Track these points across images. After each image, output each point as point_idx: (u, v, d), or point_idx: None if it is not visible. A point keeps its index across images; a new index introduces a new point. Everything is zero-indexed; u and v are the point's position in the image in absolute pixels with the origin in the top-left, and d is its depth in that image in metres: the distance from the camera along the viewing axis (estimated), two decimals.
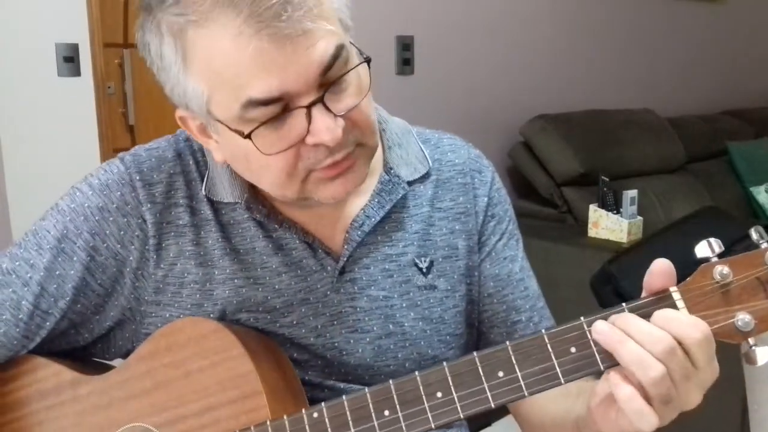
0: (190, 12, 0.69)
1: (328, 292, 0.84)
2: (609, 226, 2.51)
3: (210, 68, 0.70)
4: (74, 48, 2.46)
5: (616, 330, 0.66)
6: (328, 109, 0.71)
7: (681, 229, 2.29)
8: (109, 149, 2.57)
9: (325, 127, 0.70)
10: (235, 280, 0.83)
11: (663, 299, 0.67)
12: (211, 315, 0.83)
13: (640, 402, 0.64)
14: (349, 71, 0.72)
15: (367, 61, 0.75)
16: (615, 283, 2.16)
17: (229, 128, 0.72)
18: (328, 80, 0.71)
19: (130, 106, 3.00)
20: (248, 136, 0.71)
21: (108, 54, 2.67)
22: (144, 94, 3.01)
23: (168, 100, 0.77)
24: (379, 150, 0.89)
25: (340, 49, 0.71)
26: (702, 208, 2.66)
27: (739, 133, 3.64)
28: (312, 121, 0.70)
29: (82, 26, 2.48)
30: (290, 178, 0.75)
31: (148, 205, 0.82)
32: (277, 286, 0.83)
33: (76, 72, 2.47)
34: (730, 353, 0.73)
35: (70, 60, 2.45)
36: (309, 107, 0.70)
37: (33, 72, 2.43)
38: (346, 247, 0.84)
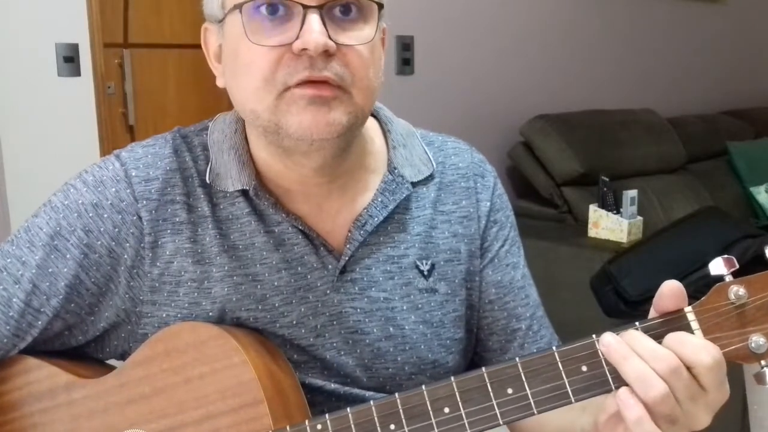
0: None
1: (328, 291, 0.84)
2: (609, 226, 2.51)
3: None
4: (74, 48, 2.46)
5: (622, 344, 0.66)
6: (323, 23, 0.73)
7: (681, 229, 2.29)
8: (109, 149, 2.56)
9: (313, 32, 0.72)
10: (234, 277, 0.82)
11: (677, 320, 0.67)
12: (210, 314, 0.82)
13: (650, 424, 0.64)
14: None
15: (379, 5, 0.77)
16: (615, 283, 2.16)
17: (231, 10, 0.76)
18: (335, 4, 0.74)
19: (130, 106, 3.00)
20: (239, 7, 0.74)
21: (108, 54, 2.67)
22: (144, 94, 3.01)
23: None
24: (383, 150, 0.89)
25: None
26: (702, 208, 2.67)
27: (739, 133, 3.64)
28: (304, 24, 0.72)
29: (82, 26, 2.47)
30: (267, 84, 0.75)
31: (144, 202, 0.81)
32: (276, 283, 0.83)
33: (76, 72, 2.47)
34: None
35: (70, 60, 2.45)
36: (306, 9, 0.72)
37: (33, 72, 2.43)
38: (348, 246, 0.84)
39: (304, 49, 0.72)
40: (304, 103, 0.74)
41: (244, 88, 0.77)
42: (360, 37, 0.76)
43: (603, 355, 0.67)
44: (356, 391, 0.84)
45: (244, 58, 0.75)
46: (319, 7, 0.73)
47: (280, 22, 0.74)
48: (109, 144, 2.59)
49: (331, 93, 0.74)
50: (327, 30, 0.73)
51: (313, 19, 0.72)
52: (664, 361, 0.64)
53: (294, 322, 0.83)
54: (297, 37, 0.73)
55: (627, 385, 0.66)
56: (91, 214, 0.81)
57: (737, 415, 1.98)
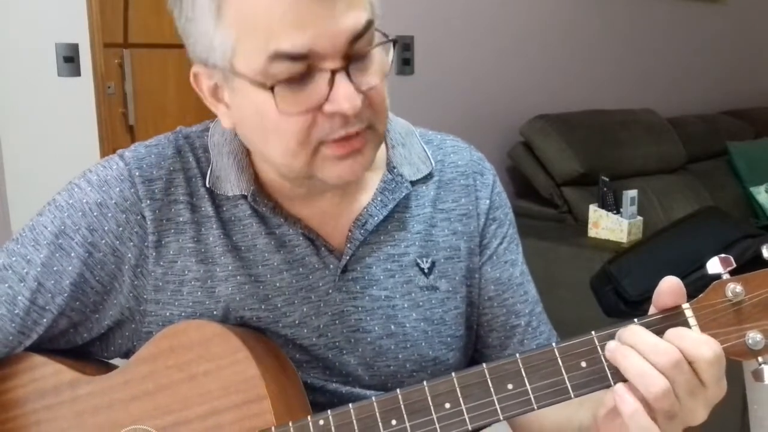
0: None
1: (330, 291, 0.84)
2: (609, 226, 2.51)
3: (243, 17, 0.70)
4: (74, 48, 2.46)
5: (622, 345, 0.66)
6: (350, 79, 0.71)
7: (681, 229, 2.29)
8: (109, 149, 2.57)
9: (346, 95, 0.70)
10: (238, 277, 0.83)
11: (675, 316, 0.67)
12: (215, 313, 0.82)
13: (645, 418, 0.64)
14: (375, 46, 0.73)
15: (393, 42, 0.76)
16: (615, 283, 2.17)
17: (251, 81, 0.72)
18: (355, 52, 0.71)
19: (130, 106, 3.00)
20: (271, 88, 0.71)
21: (108, 54, 2.67)
22: (144, 94, 3.01)
23: (187, 54, 0.78)
24: (383, 149, 0.89)
25: (370, 24, 0.72)
26: (702, 208, 2.67)
27: (739, 133, 3.64)
28: (334, 87, 0.71)
29: (82, 26, 2.48)
30: (301, 146, 0.74)
31: (148, 202, 0.82)
32: (278, 284, 0.83)
33: (76, 72, 2.47)
34: None
35: (70, 60, 2.45)
36: (333, 72, 0.70)
37: (33, 72, 2.43)
38: (348, 245, 0.84)
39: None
40: (340, 159, 0.75)
41: (275, 147, 0.76)
42: (378, 70, 0.75)
43: (602, 352, 0.67)
44: (357, 390, 0.85)
45: (272, 123, 0.73)
46: (344, 66, 0.71)
47: (305, 84, 0.71)
48: (109, 144, 2.59)
49: (362, 143, 0.75)
50: (353, 83, 0.71)
51: (343, 82, 0.71)
52: (666, 355, 0.64)
53: (296, 322, 0.83)
54: (327, 99, 0.71)
55: (626, 380, 0.66)
56: (95, 214, 0.81)
57: (737, 414, 1.98)
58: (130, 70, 2.95)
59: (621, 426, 0.68)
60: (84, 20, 2.48)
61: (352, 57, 0.71)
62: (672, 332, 0.66)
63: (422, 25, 2.67)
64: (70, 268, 0.81)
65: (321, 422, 0.73)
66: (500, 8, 2.94)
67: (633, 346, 0.65)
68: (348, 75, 0.71)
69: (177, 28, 0.76)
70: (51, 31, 2.42)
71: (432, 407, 0.70)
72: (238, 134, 0.81)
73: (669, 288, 0.67)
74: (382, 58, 0.75)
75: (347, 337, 0.85)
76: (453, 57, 2.80)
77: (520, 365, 0.69)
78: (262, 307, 0.83)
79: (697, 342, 0.64)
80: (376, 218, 0.85)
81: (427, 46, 2.69)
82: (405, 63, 2.64)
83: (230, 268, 0.82)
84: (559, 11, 3.18)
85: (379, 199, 0.86)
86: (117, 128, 2.94)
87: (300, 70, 0.70)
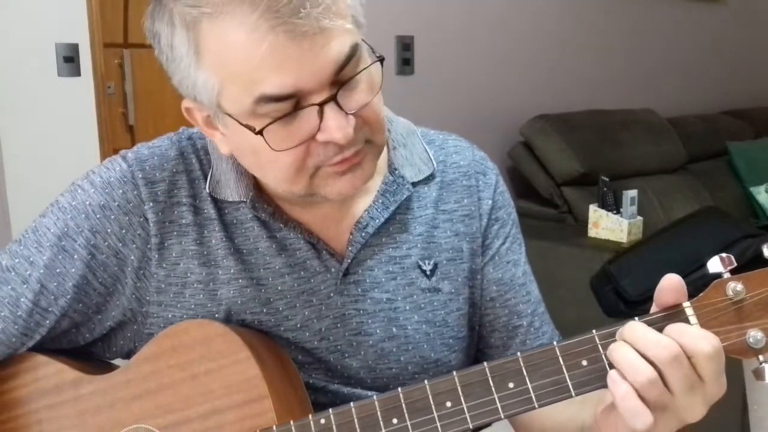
0: (205, 4, 0.68)
1: (332, 294, 0.84)
2: (609, 226, 2.51)
3: (223, 62, 0.69)
4: (74, 48, 2.46)
5: (620, 342, 0.67)
6: (340, 107, 0.70)
7: (681, 229, 2.29)
8: (109, 149, 2.57)
9: (337, 126, 0.70)
10: (240, 280, 0.83)
11: (676, 314, 0.67)
12: (216, 315, 0.82)
13: (635, 401, 0.65)
14: (362, 71, 0.72)
15: (380, 60, 0.75)
16: (615, 283, 2.17)
17: (240, 123, 0.72)
18: (341, 79, 0.71)
19: (130, 106, 3.01)
20: (260, 133, 0.70)
21: (108, 54, 2.68)
22: (144, 94, 3.02)
23: (174, 90, 0.77)
24: (384, 150, 0.88)
25: (354, 49, 0.70)
26: (702, 208, 2.67)
27: (739, 133, 3.65)
28: (324, 118, 0.70)
29: (82, 26, 2.48)
30: (298, 173, 0.74)
31: (151, 204, 0.82)
32: (279, 288, 0.83)
33: (76, 72, 2.47)
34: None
35: (70, 60, 2.45)
36: (321, 105, 0.70)
37: (33, 72, 2.43)
38: (350, 248, 0.84)
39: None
40: (340, 175, 0.75)
41: (274, 176, 0.77)
42: (368, 87, 0.74)
43: (603, 350, 0.68)
44: (359, 391, 0.85)
45: (267, 157, 0.73)
46: (332, 97, 0.70)
47: (296, 117, 0.71)
48: (109, 144, 2.59)
49: (360, 157, 0.75)
50: (343, 108, 0.71)
51: (332, 112, 0.70)
52: (666, 350, 0.64)
53: (298, 326, 0.83)
54: (319, 129, 0.71)
55: None
56: (98, 216, 0.81)
57: (737, 415, 1.98)
58: (130, 70, 2.96)
59: (616, 418, 0.68)
60: (84, 20, 2.48)
61: (340, 83, 0.71)
62: (672, 327, 0.66)
63: (422, 25, 2.67)
64: (72, 270, 0.81)
65: (322, 421, 0.73)
66: (500, 8, 2.94)
67: (633, 342, 0.65)
68: (337, 104, 0.70)
69: (160, 64, 0.76)
70: (51, 31, 2.42)
71: (433, 406, 0.70)
72: (241, 162, 0.80)
73: (670, 285, 0.67)
74: (371, 72, 0.74)
75: (349, 341, 0.85)
76: (453, 57, 2.80)
77: (521, 364, 0.69)
78: (264, 310, 0.83)
79: (696, 337, 0.64)
80: (377, 221, 0.85)
81: (427, 46, 2.69)
82: (405, 63, 2.64)
83: (232, 271, 0.82)
84: (559, 11, 3.18)
85: (380, 201, 0.86)
86: (117, 128, 2.94)
87: (288, 108, 0.70)
